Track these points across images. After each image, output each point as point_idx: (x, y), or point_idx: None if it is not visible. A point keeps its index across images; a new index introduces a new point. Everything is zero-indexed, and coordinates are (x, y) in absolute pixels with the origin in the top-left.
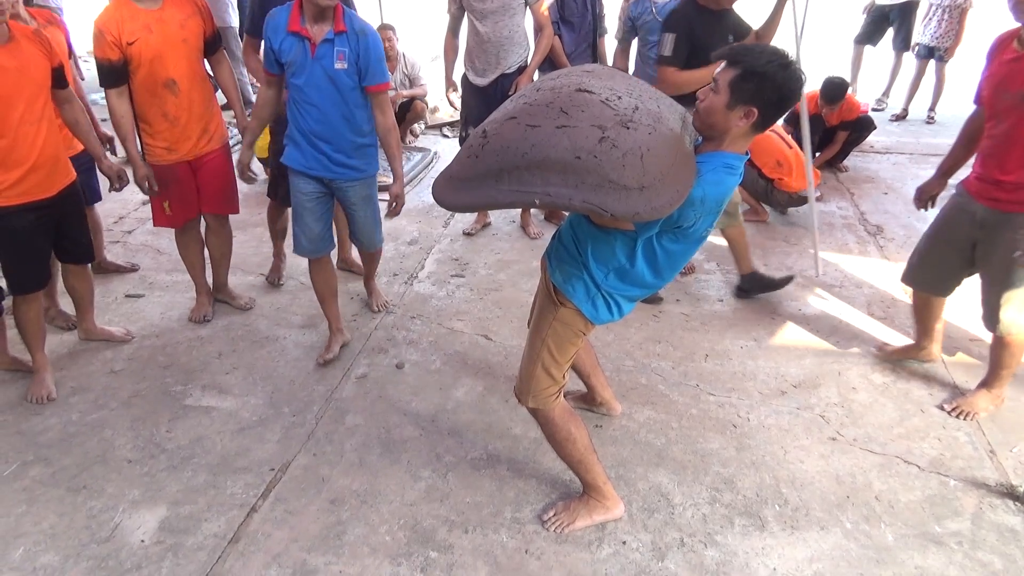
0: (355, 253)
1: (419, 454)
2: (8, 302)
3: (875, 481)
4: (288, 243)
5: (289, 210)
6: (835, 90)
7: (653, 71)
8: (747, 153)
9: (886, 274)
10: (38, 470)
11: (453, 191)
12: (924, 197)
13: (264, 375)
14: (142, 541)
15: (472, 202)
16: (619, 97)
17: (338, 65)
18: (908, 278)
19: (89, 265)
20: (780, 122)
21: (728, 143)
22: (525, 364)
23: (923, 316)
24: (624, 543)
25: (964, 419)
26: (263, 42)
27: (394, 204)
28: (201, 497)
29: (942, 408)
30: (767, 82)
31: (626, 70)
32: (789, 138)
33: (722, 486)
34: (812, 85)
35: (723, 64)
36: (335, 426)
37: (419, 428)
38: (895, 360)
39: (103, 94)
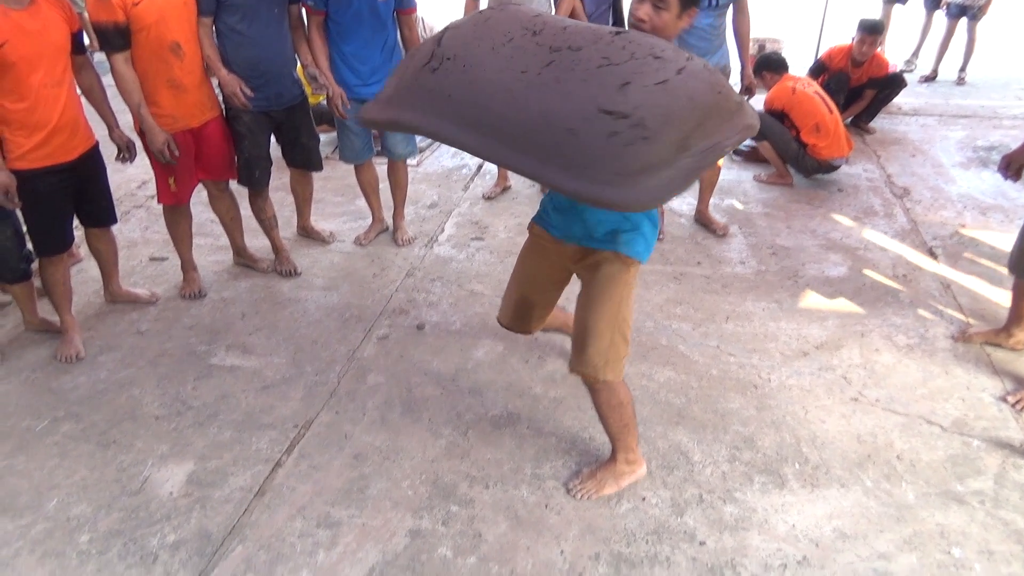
0: (316, 223)
1: (440, 412)
2: (35, 266)
3: (897, 441)
4: (286, 232)
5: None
6: (876, 23)
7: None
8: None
9: (912, 237)
10: (69, 426)
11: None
12: (1013, 166)
13: (287, 335)
14: (171, 493)
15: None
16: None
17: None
18: (1017, 267)
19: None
20: (809, 74)
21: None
22: (596, 339)
23: (1021, 304)
24: (643, 499)
25: None
26: None
27: None
28: (227, 452)
29: (1005, 400)
30: None
31: None
32: (831, 103)
33: (742, 445)
34: (840, 39)
35: None
36: (357, 385)
37: (440, 387)
38: (978, 344)
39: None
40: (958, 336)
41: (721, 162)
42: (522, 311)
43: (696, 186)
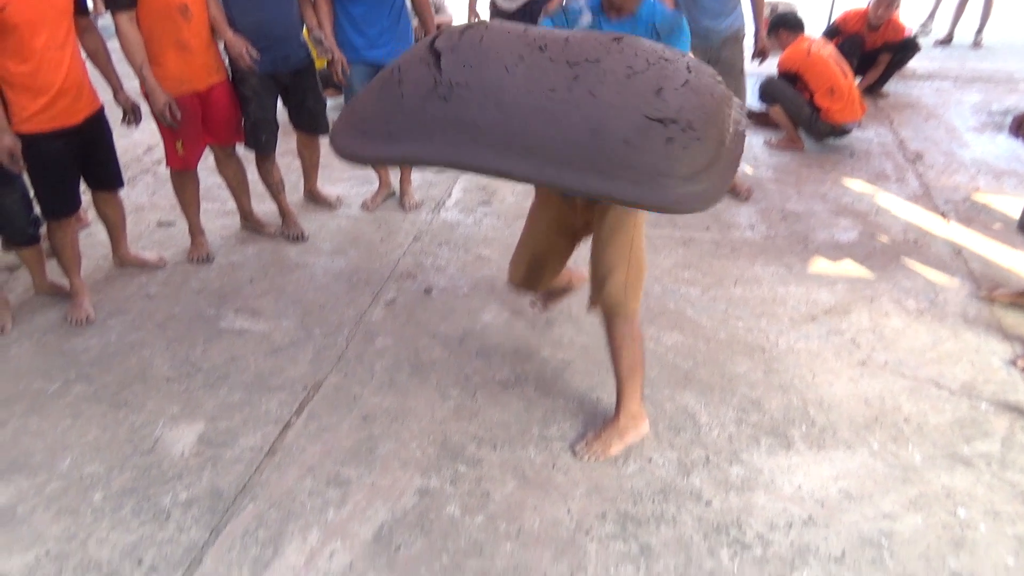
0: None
1: (448, 375)
2: (44, 230)
3: (904, 404)
4: (292, 197)
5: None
6: None
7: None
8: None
9: (924, 201)
10: (81, 387)
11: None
12: None
13: (295, 299)
14: (182, 453)
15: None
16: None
17: None
18: None
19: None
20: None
21: None
22: (616, 271)
23: None
24: (650, 460)
25: None
26: None
27: None
28: (237, 413)
29: (1014, 364)
30: None
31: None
32: (845, 65)
33: (749, 407)
34: (854, 2)
35: None
36: (365, 348)
37: (447, 350)
38: (1003, 305)
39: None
40: (983, 294)
41: None
42: (534, 268)
43: None
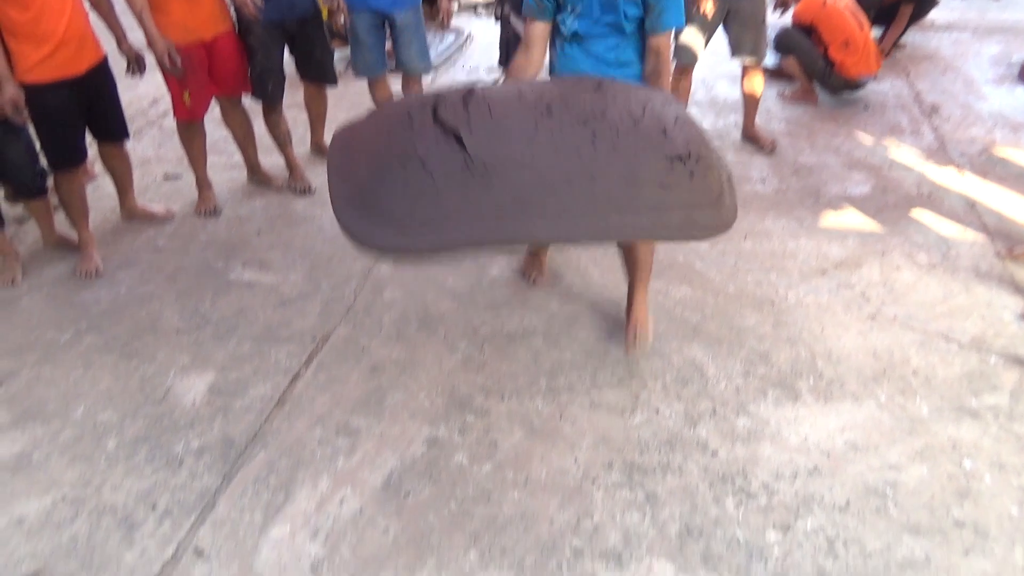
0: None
1: (456, 327)
2: (51, 183)
3: (913, 357)
4: (299, 150)
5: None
6: None
7: None
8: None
9: (938, 155)
10: (92, 338)
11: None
12: None
13: (302, 252)
14: (193, 403)
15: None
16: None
17: None
18: None
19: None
20: None
21: None
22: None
23: None
24: (657, 411)
25: None
26: None
27: (443, 17)
28: (247, 364)
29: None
30: None
31: None
32: (862, 17)
33: (757, 360)
34: None
35: None
36: (373, 300)
37: (456, 303)
38: (1021, 264)
39: None
40: (1005, 253)
41: (762, 81)
42: None
43: (741, 105)
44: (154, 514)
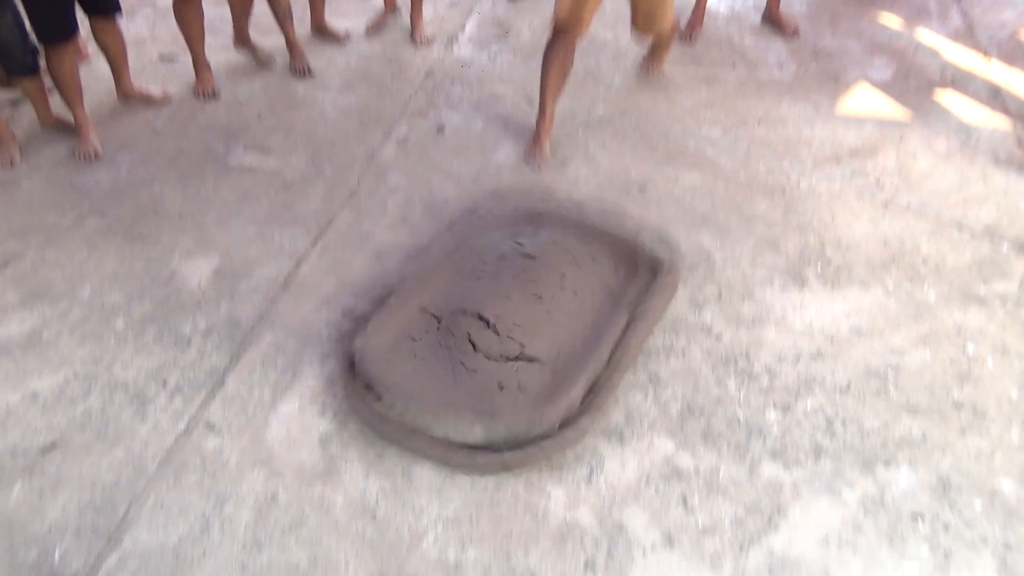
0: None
1: (460, 212)
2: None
3: (924, 245)
4: (299, 31)
5: None
6: None
7: None
8: None
9: (966, 39)
10: (94, 221)
11: None
12: None
13: (304, 136)
14: (199, 285)
15: None
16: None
17: None
18: None
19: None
20: None
21: None
22: (662, 20)
23: None
24: None
25: None
26: None
27: None
28: (251, 247)
29: None
30: None
31: None
32: None
33: (765, 247)
34: None
35: None
36: (377, 185)
37: (460, 188)
38: None
39: None
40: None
41: None
42: (579, 4)
43: None
44: (165, 390)
